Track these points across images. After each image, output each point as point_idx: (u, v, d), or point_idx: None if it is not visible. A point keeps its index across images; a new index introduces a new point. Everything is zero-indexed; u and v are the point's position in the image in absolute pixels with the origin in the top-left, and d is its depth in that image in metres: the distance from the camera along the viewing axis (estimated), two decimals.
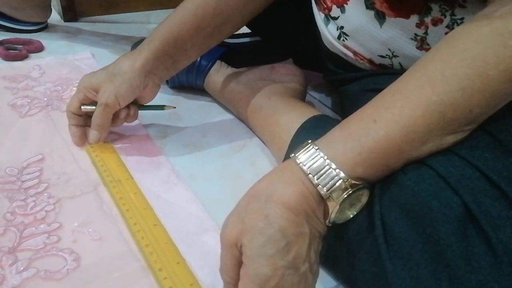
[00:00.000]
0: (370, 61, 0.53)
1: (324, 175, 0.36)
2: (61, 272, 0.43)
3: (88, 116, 0.60)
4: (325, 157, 0.36)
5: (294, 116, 0.58)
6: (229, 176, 0.60)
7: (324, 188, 0.35)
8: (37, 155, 0.58)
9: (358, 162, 0.36)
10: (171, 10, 1.29)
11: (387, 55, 0.50)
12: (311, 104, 0.78)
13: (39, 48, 0.90)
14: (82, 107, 0.58)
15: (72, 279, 0.42)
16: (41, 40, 0.92)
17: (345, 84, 0.60)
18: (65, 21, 1.08)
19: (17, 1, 0.94)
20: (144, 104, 0.62)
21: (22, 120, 0.66)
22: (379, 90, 0.51)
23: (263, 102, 0.67)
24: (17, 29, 0.97)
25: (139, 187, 0.54)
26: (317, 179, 0.35)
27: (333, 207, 0.36)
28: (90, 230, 0.48)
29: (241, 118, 0.72)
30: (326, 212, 0.37)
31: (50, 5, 1.01)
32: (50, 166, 0.57)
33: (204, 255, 0.46)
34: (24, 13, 0.95)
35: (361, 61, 0.54)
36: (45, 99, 0.71)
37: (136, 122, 0.68)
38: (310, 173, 0.36)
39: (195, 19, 0.56)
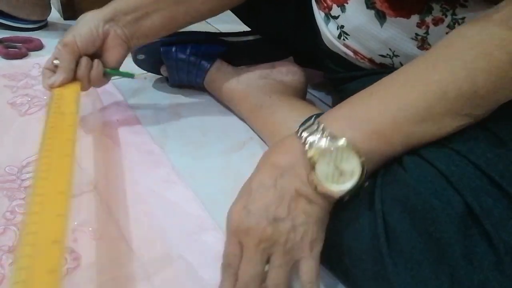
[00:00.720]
0: (371, 60, 0.53)
1: (308, 127, 0.38)
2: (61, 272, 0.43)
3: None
4: (315, 119, 0.39)
5: (295, 115, 0.58)
6: (229, 175, 0.60)
7: (303, 131, 0.38)
8: (37, 153, 0.58)
9: (345, 124, 0.37)
10: None
11: (387, 54, 0.50)
12: (311, 102, 0.78)
13: (39, 46, 0.90)
14: (55, 60, 0.59)
15: (72, 278, 0.42)
16: (40, 38, 0.92)
17: (346, 83, 0.60)
18: (64, 19, 1.08)
19: (16, 0, 0.94)
20: (111, 65, 0.62)
21: (21, 118, 0.66)
22: None
23: (264, 101, 0.67)
24: (17, 27, 0.97)
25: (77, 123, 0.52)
26: (301, 128, 0.38)
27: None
28: (90, 229, 0.48)
29: (242, 117, 0.72)
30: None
31: (50, 3, 1.00)
32: None
33: (204, 254, 0.46)
34: (23, 11, 0.95)
35: (362, 60, 0.54)
36: (45, 97, 0.71)
37: (135, 122, 0.68)
38: (300, 131, 0.38)
39: None
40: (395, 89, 0.38)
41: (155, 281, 0.43)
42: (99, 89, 0.75)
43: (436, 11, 0.44)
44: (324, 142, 0.36)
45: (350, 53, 0.55)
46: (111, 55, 0.61)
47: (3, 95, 0.71)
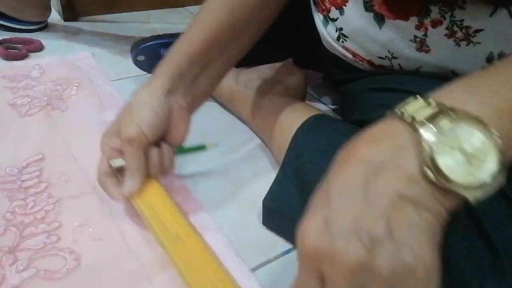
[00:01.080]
0: (370, 62, 0.53)
1: (410, 103, 0.28)
2: (61, 272, 0.43)
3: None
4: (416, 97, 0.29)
5: (294, 116, 0.59)
6: (229, 176, 0.60)
7: (404, 108, 0.28)
8: (37, 154, 0.58)
9: (465, 97, 0.28)
10: (171, 9, 1.29)
11: (386, 56, 0.50)
12: (311, 103, 0.78)
13: (39, 48, 0.90)
14: (111, 162, 0.46)
15: (72, 278, 0.42)
16: (41, 40, 0.92)
17: (345, 84, 0.60)
18: (65, 20, 1.08)
19: (16, 1, 0.94)
20: (179, 144, 0.50)
21: (22, 119, 0.66)
22: (379, 89, 0.51)
23: (263, 102, 0.67)
24: (17, 28, 0.97)
25: (206, 244, 0.43)
26: (400, 107, 0.28)
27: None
28: (90, 229, 0.48)
29: (241, 118, 0.72)
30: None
31: (50, 5, 1.00)
32: (50, 166, 0.57)
33: None
34: (24, 13, 0.95)
35: (361, 62, 0.54)
36: (45, 98, 0.71)
37: None
38: (400, 110, 0.29)
39: (207, 32, 0.49)
40: None
41: (155, 282, 0.43)
42: (99, 90, 0.75)
43: (435, 13, 0.44)
44: (442, 119, 0.26)
45: (349, 55, 0.55)
46: (177, 132, 0.49)
47: (3, 96, 0.71)
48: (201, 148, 0.52)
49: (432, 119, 0.26)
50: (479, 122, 0.26)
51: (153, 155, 0.46)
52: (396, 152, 0.27)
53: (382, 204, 0.26)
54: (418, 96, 0.28)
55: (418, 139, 0.26)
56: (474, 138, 0.26)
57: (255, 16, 0.51)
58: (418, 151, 0.26)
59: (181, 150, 0.50)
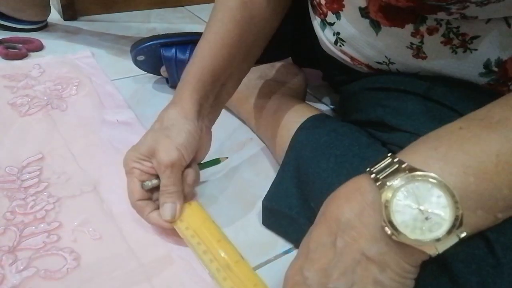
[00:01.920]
0: (368, 66, 0.53)
1: (379, 162, 0.30)
2: (61, 271, 0.43)
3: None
4: (387, 155, 0.31)
5: (294, 116, 0.59)
6: (229, 176, 0.60)
7: (372, 167, 0.30)
8: (37, 154, 0.58)
9: (430, 156, 0.29)
10: (170, 9, 1.29)
11: (383, 61, 0.50)
12: (311, 103, 0.78)
13: (39, 47, 0.90)
14: (144, 184, 0.46)
15: (72, 278, 0.42)
16: (40, 39, 0.92)
17: (344, 84, 0.60)
18: (64, 20, 1.08)
19: (16, 1, 0.94)
20: (200, 160, 0.52)
21: (21, 119, 0.66)
22: (379, 89, 0.51)
23: (263, 102, 0.67)
24: (17, 28, 0.97)
25: (253, 270, 0.43)
26: (370, 166, 0.31)
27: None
28: (90, 229, 0.48)
29: (241, 118, 0.72)
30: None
31: (50, 4, 1.00)
32: (50, 165, 0.57)
33: None
34: (23, 13, 0.95)
35: (359, 66, 0.54)
36: (45, 98, 0.71)
37: (135, 122, 0.68)
38: (369, 169, 0.31)
39: (224, 49, 0.50)
40: (494, 122, 0.30)
41: (155, 281, 0.43)
42: (99, 89, 0.75)
43: (431, 21, 0.44)
44: (402, 178, 0.28)
45: (347, 59, 0.55)
46: (203, 151, 0.51)
47: (3, 95, 0.71)
48: (216, 162, 0.54)
49: (393, 177, 0.29)
50: (440, 183, 0.28)
51: (189, 175, 0.47)
52: (362, 211, 0.29)
53: (348, 261, 0.29)
54: (387, 154, 0.31)
55: (379, 196, 0.29)
56: (433, 197, 0.28)
57: (264, 28, 0.53)
58: (379, 208, 0.28)
59: (203, 166, 0.52)
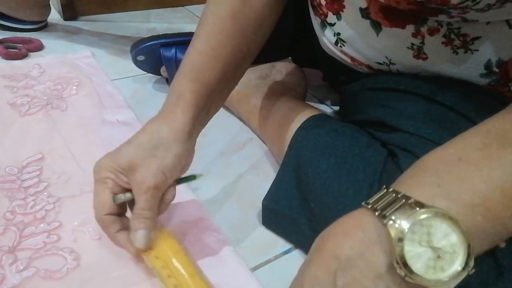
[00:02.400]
0: (368, 66, 0.53)
1: (381, 197, 0.29)
2: (61, 271, 0.43)
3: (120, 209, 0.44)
4: (388, 189, 0.30)
5: (294, 116, 0.58)
6: (229, 176, 0.60)
7: (375, 202, 0.29)
8: (37, 154, 0.58)
9: (435, 192, 0.29)
10: (170, 9, 1.29)
11: (384, 62, 0.50)
12: (311, 103, 0.78)
13: (39, 47, 0.90)
14: (116, 197, 0.42)
15: (72, 278, 0.42)
16: (40, 39, 0.92)
17: (345, 84, 0.60)
18: (64, 20, 1.08)
19: (16, 1, 0.94)
20: (179, 176, 0.46)
21: (21, 119, 0.66)
22: (379, 89, 0.51)
23: (263, 102, 0.67)
24: (17, 28, 0.97)
25: None
26: (371, 200, 0.29)
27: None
28: (90, 229, 0.48)
29: (241, 118, 0.72)
30: None
31: (49, 4, 1.00)
32: (50, 165, 0.57)
33: (204, 254, 0.46)
34: (23, 13, 0.95)
35: (360, 66, 0.54)
36: (45, 98, 0.71)
37: (135, 122, 0.68)
38: (370, 203, 0.30)
39: (218, 61, 0.47)
40: (494, 152, 0.30)
41: (155, 281, 0.43)
42: (99, 89, 0.75)
43: (432, 22, 0.44)
44: (411, 215, 0.27)
45: (348, 60, 0.55)
46: (185, 169, 0.46)
47: (3, 95, 0.71)
48: (192, 178, 0.48)
49: (401, 214, 0.27)
50: (449, 218, 0.26)
51: (168, 194, 0.43)
52: (363, 248, 0.28)
53: None
54: (388, 189, 0.29)
55: (386, 234, 0.27)
56: (444, 233, 0.26)
57: (256, 39, 0.51)
58: (385, 247, 0.27)
59: (180, 181, 0.47)
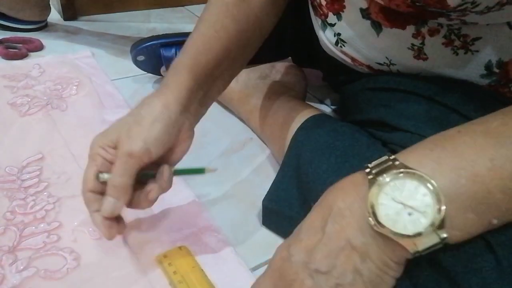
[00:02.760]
0: (369, 67, 0.53)
1: (379, 161, 0.32)
2: (61, 271, 0.43)
3: None
4: (389, 154, 0.32)
5: (294, 116, 0.59)
6: (229, 176, 0.60)
7: (372, 166, 0.31)
8: (37, 154, 0.58)
9: (425, 155, 0.31)
10: (170, 9, 1.29)
11: (384, 63, 0.50)
12: (311, 103, 0.78)
13: (39, 47, 0.90)
14: (100, 175, 0.40)
15: (72, 278, 0.42)
16: (40, 39, 0.92)
17: (345, 84, 0.60)
18: (64, 20, 1.08)
19: (16, 1, 0.94)
20: (177, 160, 0.45)
21: (21, 119, 0.66)
22: (379, 89, 0.51)
23: (263, 102, 0.67)
24: (17, 28, 0.97)
25: None
26: (370, 163, 0.32)
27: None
28: (90, 229, 0.48)
29: (241, 118, 0.72)
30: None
31: (49, 4, 1.00)
32: (50, 165, 0.57)
33: (204, 254, 0.46)
34: (23, 13, 0.95)
35: (360, 67, 0.54)
36: (45, 98, 0.71)
37: None
38: (368, 166, 0.32)
39: (220, 43, 0.46)
40: (492, 128, 0.31)
41: (155, 281, 0.43)
42: (99, 89, 0.75)
43: (432, 22, 0.44)
44: (392, 174, 0.30)
45: (348, 60, 0.55)
46: (178, 151, 0.44)
47: (3, 95, 0.71)
48: (200, 171, 0.45)
49: (384, 173, 0.30)
50: (427, 181, 0.29)
51: (151, 192, 0.41)
52: (353, 202, 0.31)
53: (333, 246, 0.30)
54: (389, 156, 0.32)
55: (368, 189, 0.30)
56: (419, 195, 0.29)
57: (260, 26, 0.51)
58: (367, 202, 0.30)
59: (181, 171, 0.44)
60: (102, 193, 0.41)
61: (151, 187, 0.41)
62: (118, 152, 0.40)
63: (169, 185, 0.42)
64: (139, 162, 0.39)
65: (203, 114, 0.48)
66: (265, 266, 0.47)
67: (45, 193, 0.52)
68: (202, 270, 0.44)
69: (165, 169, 0.41)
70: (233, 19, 0.47)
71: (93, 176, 0.40)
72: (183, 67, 0.44)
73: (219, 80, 0.48)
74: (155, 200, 0.42)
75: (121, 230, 0.42)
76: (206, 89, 0.46)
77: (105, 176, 0.40)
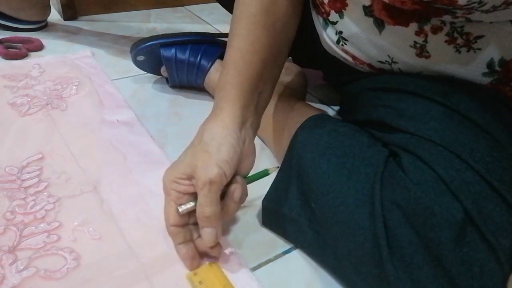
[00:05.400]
0: (370, 66, 0.53)
1: None
2: (61, 271, 0.43)
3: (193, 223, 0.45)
4: None
5: (294, 116, 0.58)
6: None
7: None
8: (37, 154, 0.58)
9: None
10: (170, 9, 1.29)
11: (386, 61, 0.50)
12: (311, 103, 0.78)
13: (39, 47, 0.90)
14: (179, 208, 0.42)
15: (72, 278, 0.42)
16: (40, 39, 0.92)
17: (345, 84, 0.60)
18: (64, 19, 1.08)
19: (16, 1, 0.94)
20: (246, 173, 0.47)
21: (22, 119, 0.66)
22: (380, 89, 0.51)
23: None
24: (17, 28, 0.97)
25: None
26: None
27: None
28: (90, 229, 0.48)
29: None
30: None
31: (50, 4, 1.00)
32: (50, 165, 0.57)
33: (204, 255, 0.46)
34: (23, 13, 0.95)
35: (361, 66, 0.54)
36: (45, 98, 0.71)
37: (135, 122, 0.68)
38: None
39: (257, 55, 0.47)
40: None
41: (155, 281, 0.43)
42: (99, 89, 0.75)
43: (435, 20, 0.44)
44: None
45: (349, 58, 0.55)
46: (247, 164, 0.46)
47: (3, 95, 0.71)
48: (264, 173, 0.49)
49: None
50: None
51: (236, 191, 0.42)
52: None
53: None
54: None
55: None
56: None
57: (287, 30, 0.51)
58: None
59: (249, 178, 0.47)
60: (183, 225, 0.43)
61: (234, 187, 0.42)
62: (197, 183, 0.41)
63: (245, 192, 0.44)
64: (220, 187, 0.41)
65: (258, 126, 0.50)
66: (265, 266, 0.47)
67: (45, 193, 0.52)
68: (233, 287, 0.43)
69: (238, 178, 0.44)
70: (262, 29, 0.48)
71: (174, 211, 0.42)
72: (231, 86, 0.46)
73: (264, 91, 0.49)
74: (240, 200, 0.43)
75: (219, 252, 0.45)
76: (256, 102, 0.48)
77: (183, 208, 0.42)
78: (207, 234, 0.41)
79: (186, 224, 0.44)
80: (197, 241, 0.44)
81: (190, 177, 0.42)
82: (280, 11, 0.49)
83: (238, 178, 0.44)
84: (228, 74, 0.47)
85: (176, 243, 0.44)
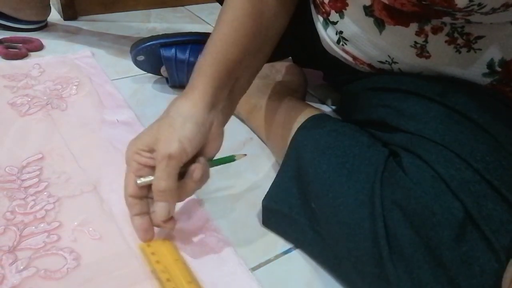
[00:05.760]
0: (370, 66, 0.53)
1: None
2: (61, 271, 0.43)
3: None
4: None
5: (294, 116, 0.58)
6: (229, 175, 0.60)
7: None
8: (37, 154, 0.58)
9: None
10: (170, 9, 1.29)
11: (386, 61, 0.50)
12: (311, 103, 0.78)
13: (39, 47, 0.90)
14: (138, 180, 0.42)
15: (72, 278, 0.42)
16: (40, 39, 0.92)
17: (345, 84, 0.60)
18: (64, 19, 1.08)
19: (16, 1, 0.94)
20: (211, 157, 0.47)
21: (21, 119, 0.66)
22: (380, 89, 0.51)
23: (263, 102, 0.67)
24: (17, 28, 0.97)
25: None
26: None
27: None
28: (90, 229, 0.48)
29: (241, 118, 0.72)
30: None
31: (50, 4, 1.00)
32: (50, 165, 0.57)
33: (204, 254, 0.46)
34: (23, 13, 0.95)
35: (361, 66, 0.54)
36: (45, 98, 0.71)
37: (135, 122, 0.68)
38: None
39: (239, 41, 0.48)
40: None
41: (155, 281, 0.43)
42: (99, 89, 0.75)
43: (435, 20, 0.44)
44: None
45: (349, 58, 0.55)
46: (212, 148, 0.46)
47: (3, 95, 0.71)
48: (230, 159, 0.49)
49: None
50: None
51: (196, 171, 0.42)
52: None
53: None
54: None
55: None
56: None
57: (274, 24, 0.51)
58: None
59: (214, 162, 0.47)
60: (141, 197, 0.43)
61: (194, 166, 0.42)
62: (157, 156, 0.41)
63: (207, 174, 0.44)
64: (178, 163, 0.41)
65: (231, 113, 0.50)
66: (265, 266, 0.47)
67: (45, 193, 0.52)
68: (185, 263, 0.44)
69: (201, 159, 0.44)
70: (249, 16, 0.48)
71: (132, 182, 0.42)
72: (207, 67, 0.46)
73: (242, 78, 0.49)
74: (200, 180, 0.43)
75: (173, 227, 0.45)
76: (231, 87, 0.48)
77: (142, 180, 0.42)
78: (160, 208, 0.41)
79: (145, 196, 0.44)
80: (152, 215, 0.44)
81: (151, 150, 0.42)
82: (269, 3, 0.49)
83: (201, 159, 0.44)
84: (207, 55, 0.47)
85: (132, 214, 0.43)
